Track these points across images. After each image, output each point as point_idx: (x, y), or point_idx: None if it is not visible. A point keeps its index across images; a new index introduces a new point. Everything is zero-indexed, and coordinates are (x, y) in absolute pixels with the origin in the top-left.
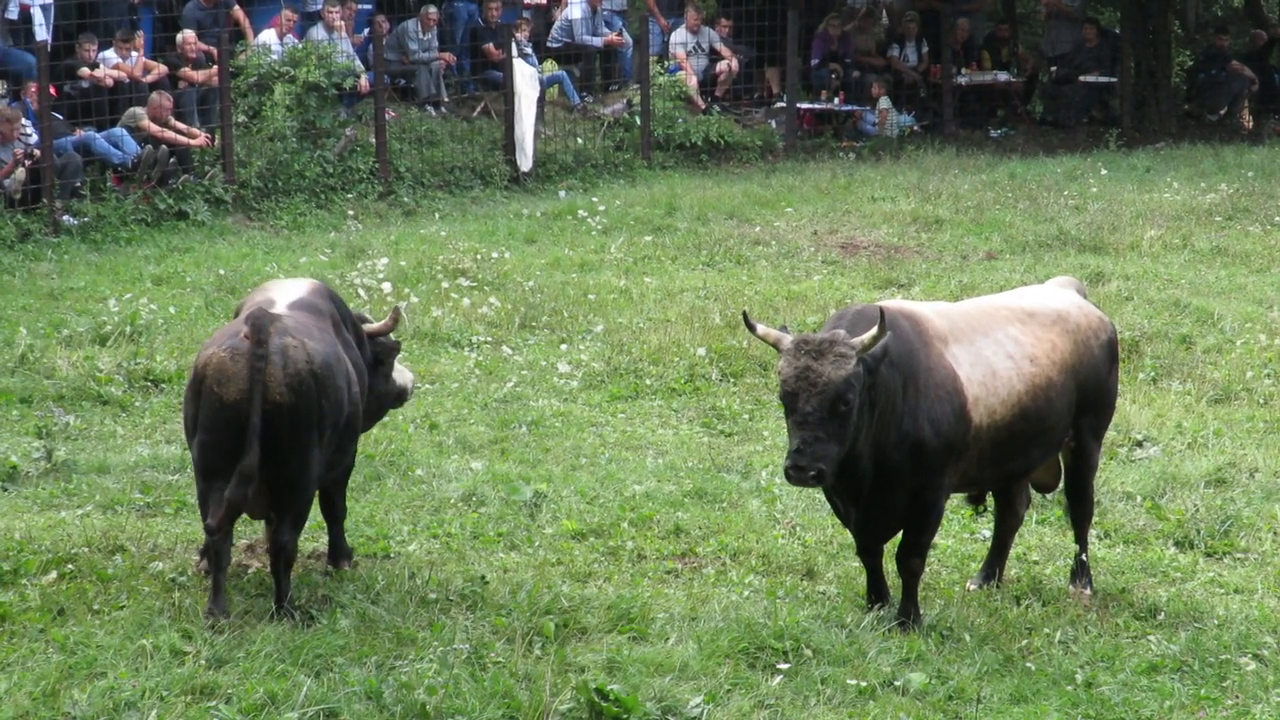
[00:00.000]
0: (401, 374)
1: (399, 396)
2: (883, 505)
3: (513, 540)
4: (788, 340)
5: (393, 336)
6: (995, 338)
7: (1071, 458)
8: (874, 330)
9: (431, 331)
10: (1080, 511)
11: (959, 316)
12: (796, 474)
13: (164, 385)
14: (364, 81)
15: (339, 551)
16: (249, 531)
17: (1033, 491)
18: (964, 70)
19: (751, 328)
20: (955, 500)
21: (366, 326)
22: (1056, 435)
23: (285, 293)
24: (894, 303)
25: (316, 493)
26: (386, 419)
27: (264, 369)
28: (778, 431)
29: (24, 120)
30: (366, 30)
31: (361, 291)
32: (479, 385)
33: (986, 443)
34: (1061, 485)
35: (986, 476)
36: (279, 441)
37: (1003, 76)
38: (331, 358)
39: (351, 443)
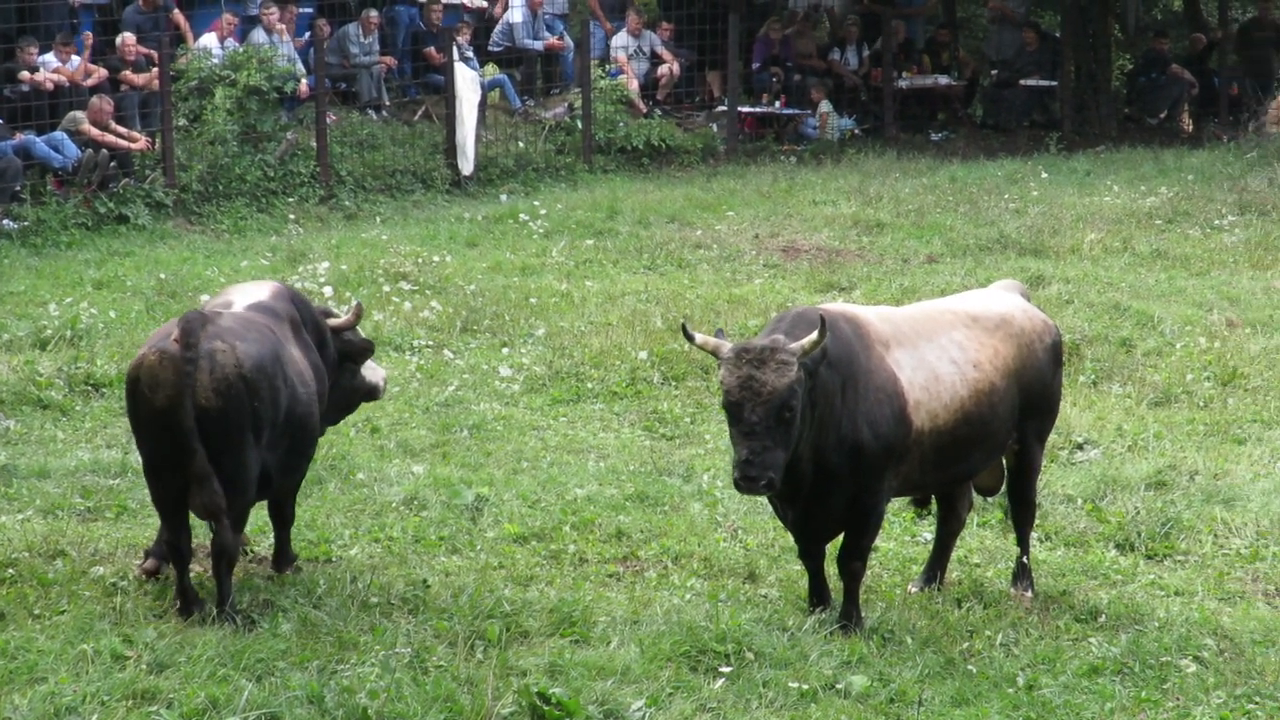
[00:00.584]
0: (373, 371)
1: (370, 393)
2: (821, 507)
3: (454, 544)
4: (727, 348)
5: (361, 333)
6: (939, 342)
7: (1014, 461)
8: (814, 335)
9: (372, 335)
10: (1022, 514)
11: (902, 320)
12: (747, 485)
13: (105, 390)
14: (304, 85)
15: (283, 556)
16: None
17: (974, 495)
18: (905, 74)
19: (690, 338)
20: (897, 503)
21: (330, 321)
22: (999, 439)
23: (245, 295)
24: (835, 306)
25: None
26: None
27: (193, 373)
28: (719, 435)
29: None
30: (307, 34)
31: None
32: (420, 389)
33: (928, 447)
34: (1004, 488)
35: (929, 480)
36: (211, 445)
37: (943, 80)
38: (266, 360)
39: (307, 445)
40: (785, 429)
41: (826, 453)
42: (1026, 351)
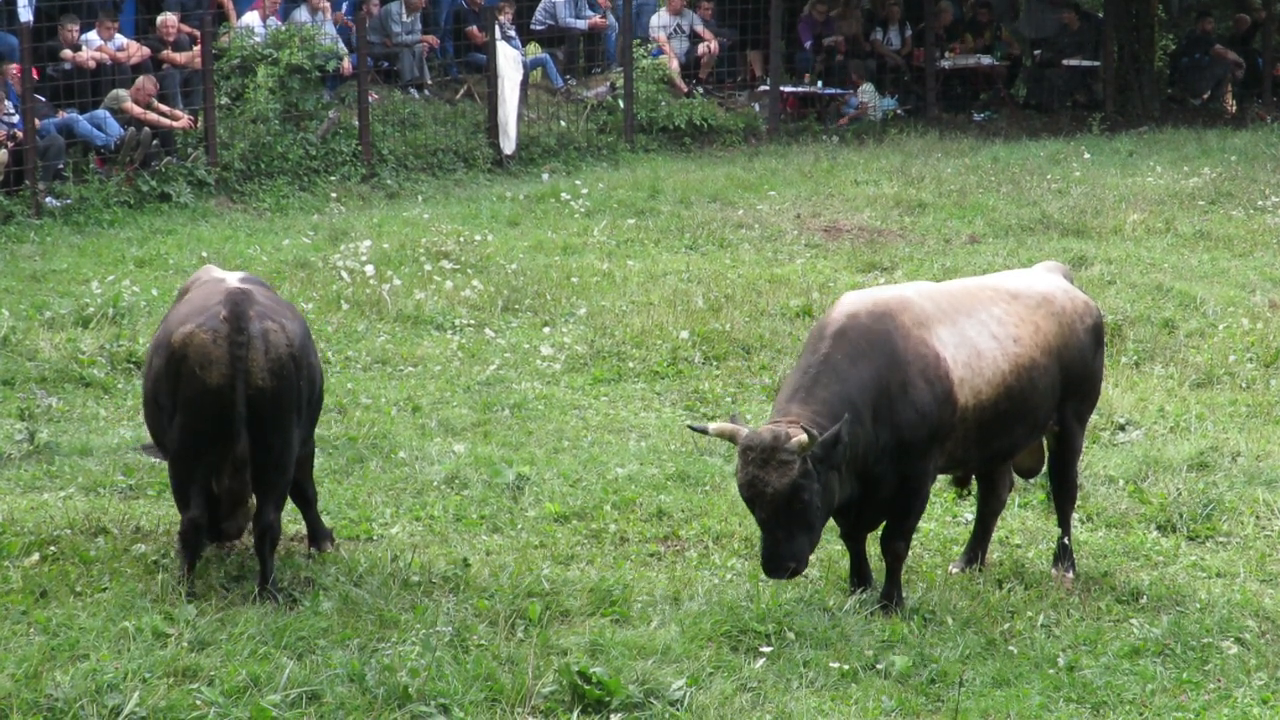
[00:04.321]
0: None
1: None
2: (870, 500)
3: (495, 523)
4: (739, 440)
5: None
6: (979, 318)
7: (1055, 442)
8: (802, 438)
9: (414, 314)
10: (1063, 495)
11: (943, 296)
12: (774, 573)
13: None
14: (347, 64)
15: (319, 534)
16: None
17: (1015, 475)
18: (947, 54)
19: (704, 430)
20: (939, 484)
21: None
22: (1040, 416)
23: (231, 274)
24: (870, 296)
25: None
26: (369, 401)
27: (246, 355)
28: (760, 415)
29: (6, 102)
30: (344, 6)
31: (344, 274)
32: (462, 368)
33: (972, 423)
34: (1045, 469)
35: (972, 457)
36: (261, 425)
37: (986, 60)
38: (306, 336)
39: (318, 416)
40: (800, 517)
41: (869, 467)
42: (1068, 330)
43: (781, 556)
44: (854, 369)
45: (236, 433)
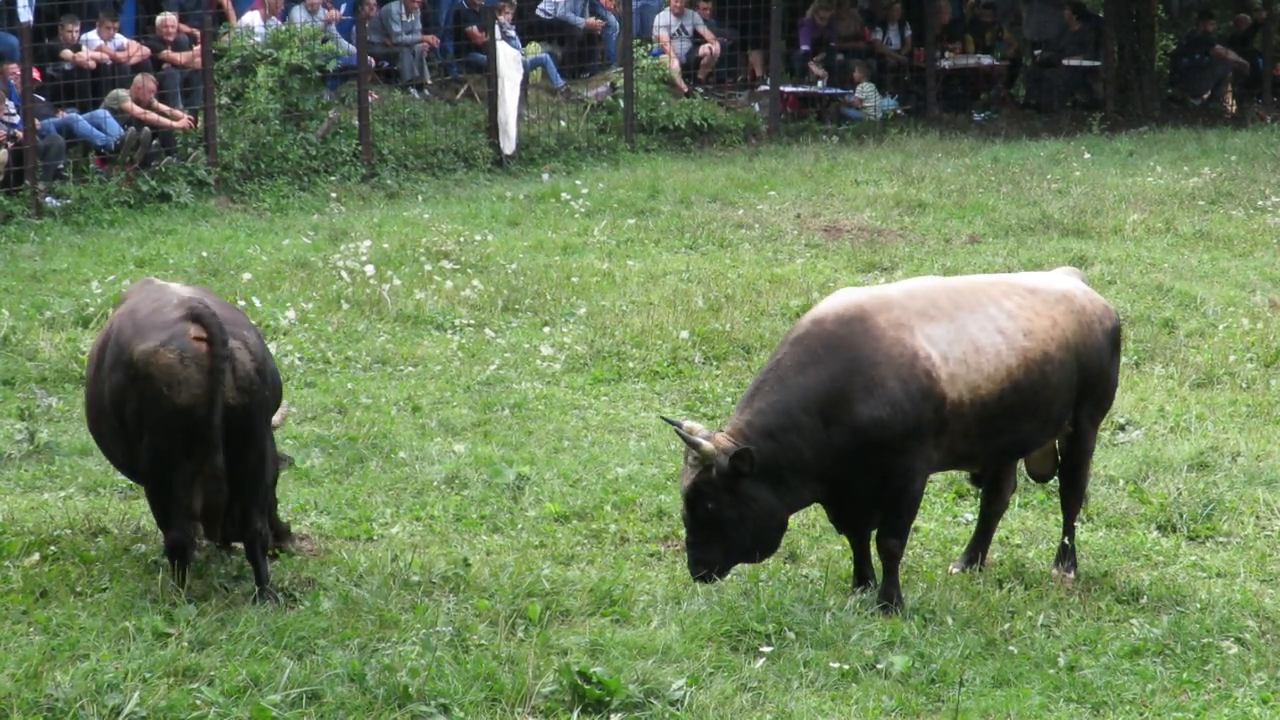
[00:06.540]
0: None
1: None
2: (848, 497)
3: (495, 523)
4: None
5: None
6: (986, 313)
7: (1067, 444)
8: (705, 445)
9: (414, 314)
10: (1071, 496)
11: (942, 293)
12: (693, 575)
13: None
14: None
15: (276, 533)
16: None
17: (1017, 476)
18: (947, 54)
19: (677, 425)
20: (938, 483)
21: None
22: (1053, 411)
23: (176, 285)
24: (843, 300)
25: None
26: (369, 400)
27: (223, 372)
28: None
29: (7, 102)
30: (343, 5)
31: (345, 274)
32: (462, 368)
33: (971, 418)
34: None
35: (978, 452)
36: (236, 440)
37: (986, 60)
38: (264, 346)
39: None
40: (711, 526)
41: (829, 469)
42: (1086, 330)
43: (693, 560)
44: (800, 376)
45: (214, 445)
